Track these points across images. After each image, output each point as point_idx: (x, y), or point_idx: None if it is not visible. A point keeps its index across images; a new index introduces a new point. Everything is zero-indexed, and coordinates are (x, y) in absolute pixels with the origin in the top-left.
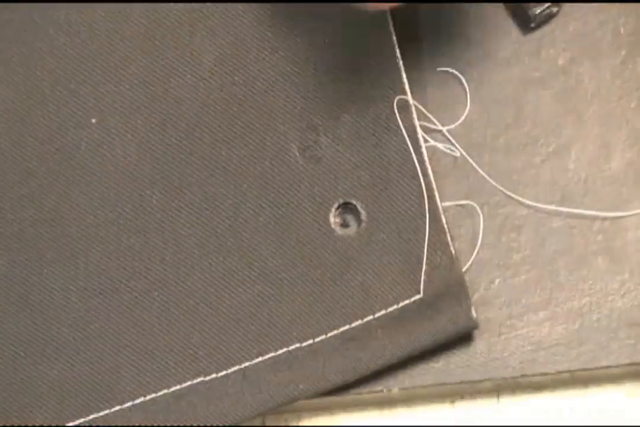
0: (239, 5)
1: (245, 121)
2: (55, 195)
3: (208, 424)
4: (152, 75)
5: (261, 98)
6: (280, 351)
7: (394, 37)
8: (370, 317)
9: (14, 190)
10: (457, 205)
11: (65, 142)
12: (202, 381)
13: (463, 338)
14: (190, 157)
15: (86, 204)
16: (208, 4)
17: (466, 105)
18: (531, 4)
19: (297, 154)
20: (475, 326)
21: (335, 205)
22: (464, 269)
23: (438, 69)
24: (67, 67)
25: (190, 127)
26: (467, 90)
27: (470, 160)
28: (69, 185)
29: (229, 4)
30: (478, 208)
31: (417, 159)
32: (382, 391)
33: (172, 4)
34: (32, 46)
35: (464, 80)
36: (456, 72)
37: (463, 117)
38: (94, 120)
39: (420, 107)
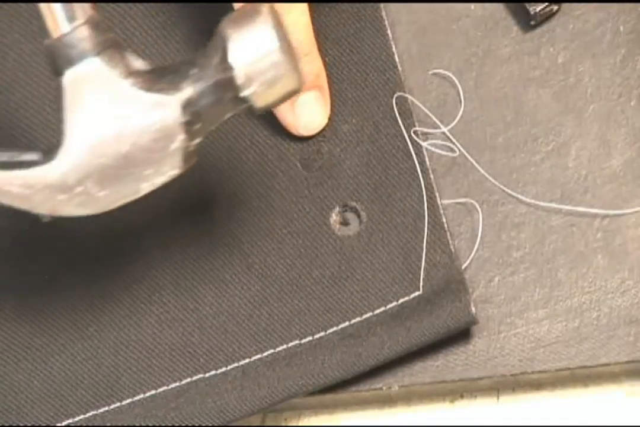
0: None
1: (246, 137)
2: None
3: (208, 421)
4: None
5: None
6: (279, 348)
7: (391, 38)
8: (370, 314)
9: None
10: (456, 203)
11: None
12: (202, 377)
13: (462, 336)
14: (192, 170)
15: (90, 216)
16: None
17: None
18: (531, 3)
19: (299, 165)
20: (474, 321)
21: (337, 208)
22: (463, 267)
23: (434, 70)
24: None
25: None
26: (461, 90)
27: (470, 159)
28: None
29: None
30: (478, 206)
31: (417, 158)
32: (382, 388)
33: None
34: None
35: (456, 81)
36: (449, 74)
37: (458, 117)
38: None
39: (420, 105)
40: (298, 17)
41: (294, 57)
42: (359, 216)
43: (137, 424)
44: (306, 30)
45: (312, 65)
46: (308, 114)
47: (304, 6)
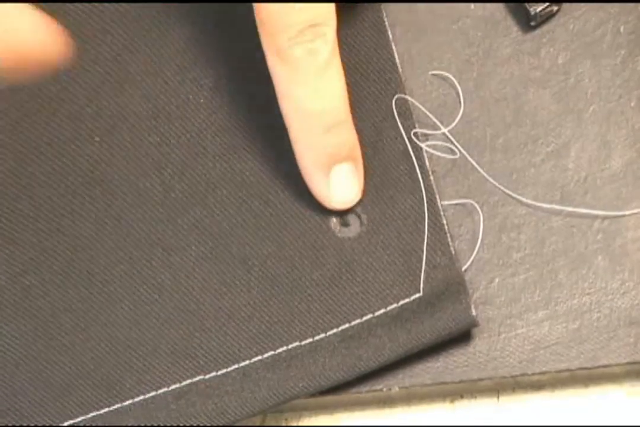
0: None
1: (245, 136)
2: (57, 207)
3: (208, 423)
4: (155, 94)
5: (261, 113)
6: (280, 350)
7: (391, 38)
8: (370, 315)
9: (17, 201)
10: (457, 204)
11: (68, 158)
12: (202, 379)
13: (463, 337)
14: (192, 170)
15: (88, 215)
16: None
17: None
18: (531, 3)
19: None
20: (474, 323)
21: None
22: (463, 268)
23: (433, 71)
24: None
25: (192, 143)
26: (461, 91)
27: (470, 160)
28: (71, 199)
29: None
30: (478, 207)
31: (417, 159)
32: (382, 390)
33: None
34: None
35: (456, 82)
36: (448, 75)
37: (458, 118)
38: (97, 139)
39: (420, 106)
40: (333, 81)
41: None
42: (359, 218)
43: (138, 425)
44: (341, 96)
45: (347, 134)
46: (342, 187)
47: (339, 69)
